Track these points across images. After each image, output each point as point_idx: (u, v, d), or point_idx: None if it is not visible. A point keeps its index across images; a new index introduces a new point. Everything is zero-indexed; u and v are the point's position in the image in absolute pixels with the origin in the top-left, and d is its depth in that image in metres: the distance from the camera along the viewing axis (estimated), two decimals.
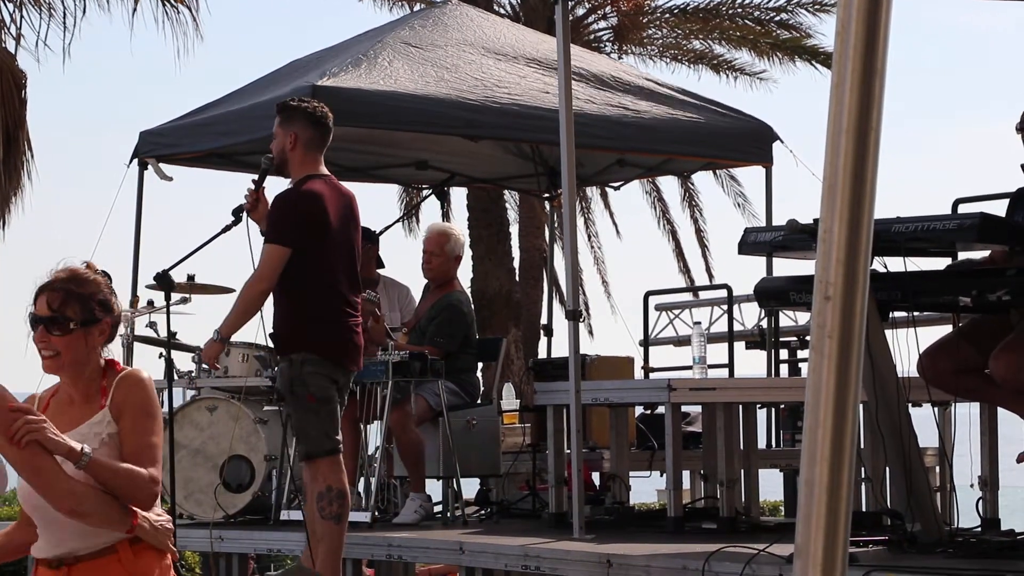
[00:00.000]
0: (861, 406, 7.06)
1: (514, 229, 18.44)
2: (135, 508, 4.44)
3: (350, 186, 7.96)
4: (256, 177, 7.86)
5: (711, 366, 10.00)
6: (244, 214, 8.06)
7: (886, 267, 6.72)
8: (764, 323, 12.17)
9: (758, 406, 9.24)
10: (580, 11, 19.68)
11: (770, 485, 11.99)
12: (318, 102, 7.89)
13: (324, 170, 7.72)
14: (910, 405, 6.98)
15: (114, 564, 4.48)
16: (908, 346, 6.74)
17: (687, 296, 16.77)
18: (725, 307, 12.38)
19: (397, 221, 12.13)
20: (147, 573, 4.50)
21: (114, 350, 4.73)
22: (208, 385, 10.12)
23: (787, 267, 9.45)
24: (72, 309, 4.56)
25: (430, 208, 23.43)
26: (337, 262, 7.57)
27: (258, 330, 9.86)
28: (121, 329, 10.29)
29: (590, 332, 23.56)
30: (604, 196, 23.01)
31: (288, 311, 7.52)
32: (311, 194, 7.55)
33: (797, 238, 6.71)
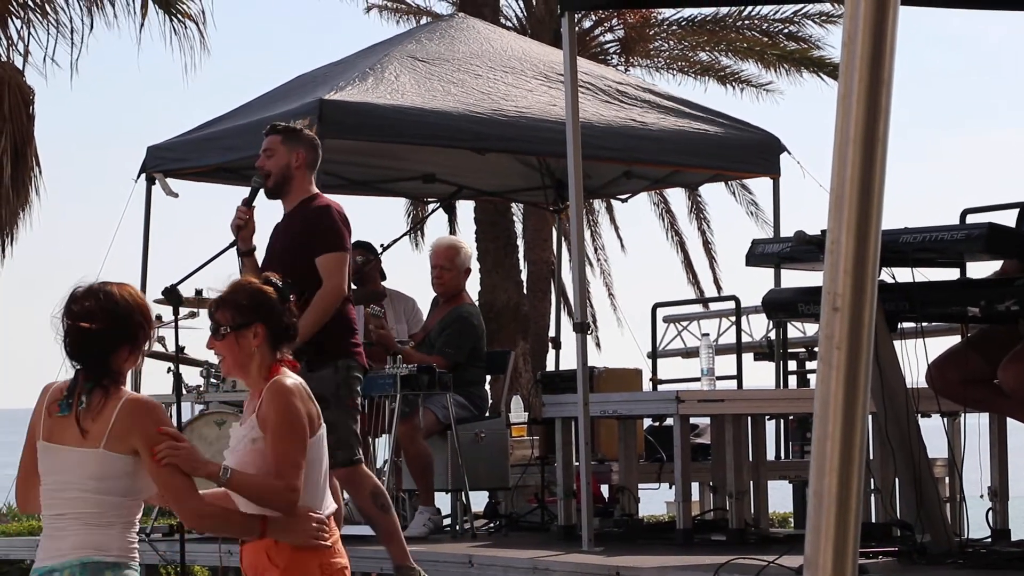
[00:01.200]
0: (870, 417, 7.06)
1: (522, 242, 18.43)
2: (267, 515, 4.92)
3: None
4: (247, 196, 7.91)
5: (719, 378, 9.98)
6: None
7: (894, 278, 6.72)
8: (772, 335, 12.15)
9: (767, 417, 9.24)
10: (587, 23, 19.69)
11: (779, 497, 11.97)
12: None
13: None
14: (919, 416, 6.97)
15: (261, 549, 5.02)
16: (917, 357, 6.74)
17: (695, 308, 16.75)
18: (733, 319, 12.37)
19: (403, 236, 12.10)
20: (286, 559, 4.99)
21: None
22: (216, 399, 10.12)
23: (795, 279, 9.44)
24: (224, 315, 5.06)
25: (437, 222, 23.53)
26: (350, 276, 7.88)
27: None
28: None
29: (597, 345, 23.55)
30: (610, 209, 23.01)
31: (330, 320, 7.61)
32: (340, 206, 7.82)
33: (805, 249, 6.71)
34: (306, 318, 7.48)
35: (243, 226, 7.79)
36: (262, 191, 7.85)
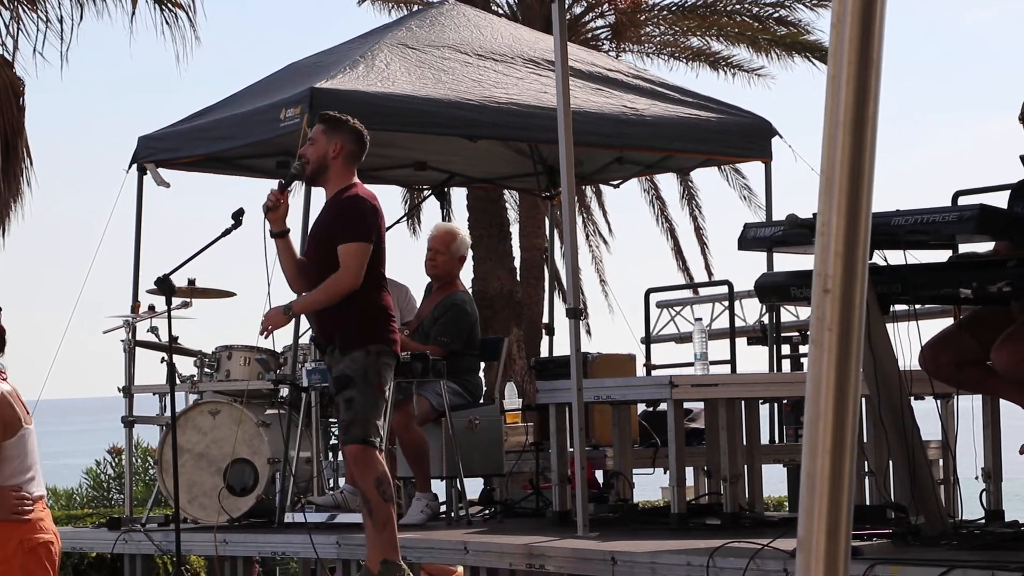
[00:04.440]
0: (863, 400, 7.07)
1: (514, 229, 18.43)
2: None
3: None
4: (283, 180, 7.96)
5: (713, 362, 9.99)
6: (242, 217, 8.18)
7: (886, 260, 6.72)
8: (765, 319, 12.17)
9: (760, 401, 9.24)
10: (578, 9, 19.68)
11: (774, 481, 11.99)
12: (356, 120, 8.03)
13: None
14: (912, 398, 6.98)
15: None
16: (910, 339, 6.74)
17: (688, 293, 16.78)
18: (726, 303, 12.39)
19: (397, 222, 12.08)
20: None
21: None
22: (211, 389, 10.13)
23: (788, 262, 9.44)
24: None
25: (430, 209, 23.44)
26: (385, 262, 7.92)
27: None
28: (122, 334, 10.35)
29: (587, 331, 23.50)
30: (599, 195, 22.99)
31: (362, 305, 7.71)
32: (373, 196, 7.90)
33: (797, 233, 6.70)
34: (309, 295, 7.73)
35: (272, 208, 7.84)
36: (300, 178, 7.96)
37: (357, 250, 7.69)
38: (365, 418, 7.65)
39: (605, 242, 23.51)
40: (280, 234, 7.88)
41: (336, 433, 9.82)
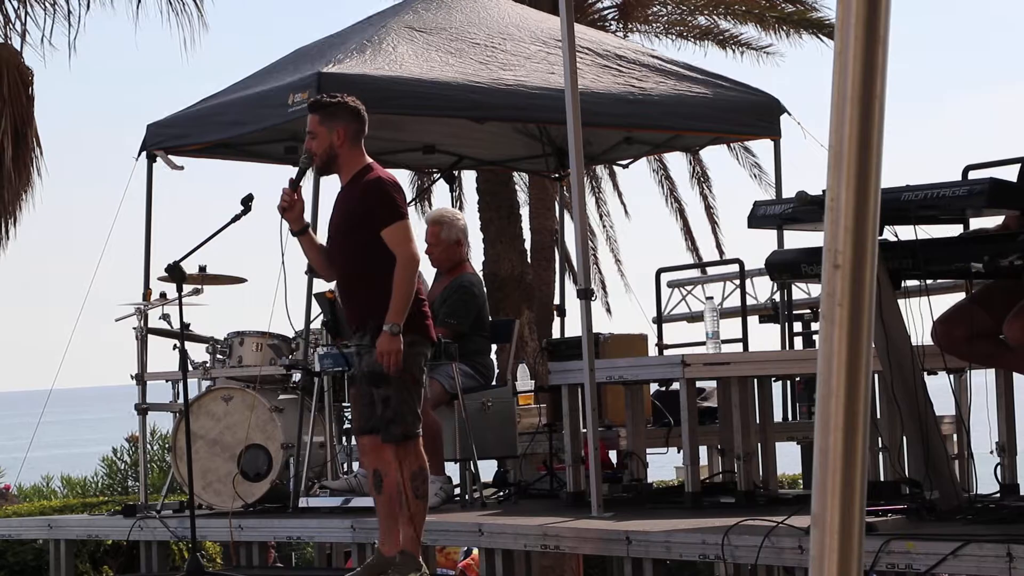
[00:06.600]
0: (876, 376, 7.06)
1: (524, 211, 18.40)
2: None
3: None
4: (293, 176, 7.78)
5: (725, 341, 9.99)
6: (251, 203, 8.16)
7: (897, 236, 6.71)
8: (777, 296, 12.16)
9: (773, 379, 9.24)
10: None
11: (787, 459, 11.98)
12: (350, 95, 7.83)
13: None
14: (925, 373, 6.98)
15: None
16: (922, 315, 6.74)
17: (699, 272, 16.76)
18: (737, 282, 12.37)
19: (408, 205, 12.06)
20: None
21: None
22: (223, 375, 10.14)
23: (798, 240, 9.43)
24: None
25: (441, 191, 23.41)
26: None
27: (271, 319, 9.87)
28: (134, 322, 10.37)
29: (608, 310, 23.49)
30: (612, 175, 22.96)
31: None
32: (391, 175, 7.74)
33: (807, 210, 6.70)
34: (394, 300, 7.41)
35: (288, 208, 7.64)
36: (310, 170, 7.81)
37: (402, 228, 7.51)
38: (403, 416, 7.52)
39: (624, 216, 23.46)
40: (300, 232, 7.70)
41: (349, 417, 9.83)
